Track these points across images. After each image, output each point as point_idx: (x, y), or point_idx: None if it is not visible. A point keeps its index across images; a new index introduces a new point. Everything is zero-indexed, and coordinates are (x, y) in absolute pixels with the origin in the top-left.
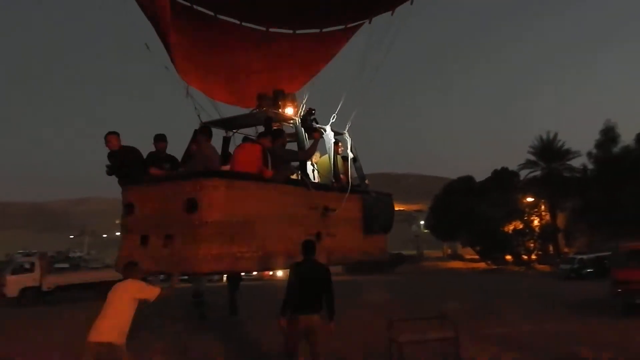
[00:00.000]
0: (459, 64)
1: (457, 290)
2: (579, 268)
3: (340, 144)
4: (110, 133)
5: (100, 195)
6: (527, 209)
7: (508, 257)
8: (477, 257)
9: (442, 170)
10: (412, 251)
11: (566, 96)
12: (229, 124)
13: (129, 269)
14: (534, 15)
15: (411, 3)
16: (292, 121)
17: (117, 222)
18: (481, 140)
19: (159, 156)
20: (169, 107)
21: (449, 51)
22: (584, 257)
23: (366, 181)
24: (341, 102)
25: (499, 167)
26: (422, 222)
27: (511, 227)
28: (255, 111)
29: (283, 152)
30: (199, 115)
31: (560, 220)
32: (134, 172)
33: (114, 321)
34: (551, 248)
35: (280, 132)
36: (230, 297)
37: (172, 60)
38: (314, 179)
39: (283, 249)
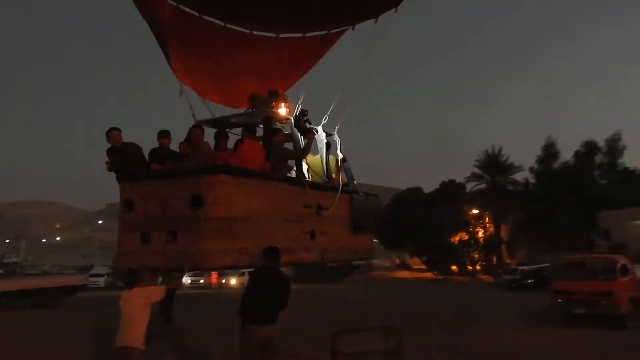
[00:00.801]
0: (407, 76)
1: (404, 300)
2: (521, 278)
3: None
4: (112, 129)
5: (40, 199)
6: (472, 221)
7: (454, 267)
8: (424, 267)
9: (392, 181)
10: (362, 261)
11: (511, 111)
12: (223, 123)
13: (133, 277)
14: (477, 26)
15: (395, 11)
16: (286, 121)
17: (58, 226)
18: (430, 153)
19: (162, 152)
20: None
21: (397, 63)
22: (525, 267)
23: (355, 181)
24: (333, 105)
25: (446, 179)
26: None
27: (457, 238)
28: (249, 111)
29: (282, 151)
30: (193, 114)
31: (504, 232)
32: (135, 168)
33: (138, 328)
34: (494, 259)
35: (278, 130)
36: (164, 306)
37: (167, 59)
38: (308, 178)
39: (282, 246)
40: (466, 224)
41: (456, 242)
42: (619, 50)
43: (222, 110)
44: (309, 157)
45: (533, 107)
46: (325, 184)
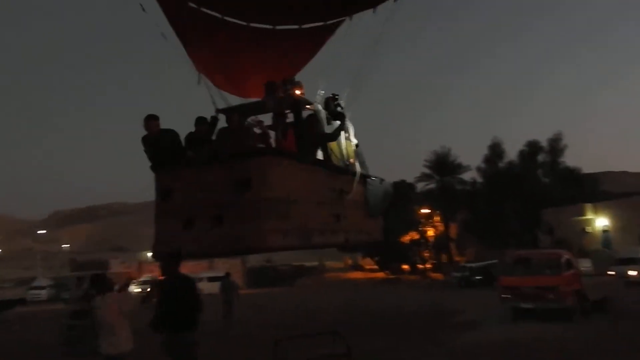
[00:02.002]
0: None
1: (355, 302)
2: (469, 276)
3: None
4: (151, 117)
5: None
6: (422, 220)
7: (405, 266)
8: (376, 267)
9: None
10: (314, 262)
11: (460, 111)
12: (248, 109)
13: (104, 284)
14: (424, 25)
15: (395, 0)
16: (310, 106)
17: None
18: (380, 152)
19: (198, 138)
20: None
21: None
22: (473, 265)
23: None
24: (347, 92)
25: (397, 179)
26: None
27: (408, 238)
28: (269, 98)
29: (315, 134)
30: (213, 103)
31: (453, 231)
32: (172, 155)
33: (122, 334)
34: (444, 257)
35: (312, 115)
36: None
37: (185, 49)
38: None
39: (317, 227)
40: (417, 224)
41: (407, 242)
42: (556, 49)
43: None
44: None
45: (480, 107)
46: (346, 168)
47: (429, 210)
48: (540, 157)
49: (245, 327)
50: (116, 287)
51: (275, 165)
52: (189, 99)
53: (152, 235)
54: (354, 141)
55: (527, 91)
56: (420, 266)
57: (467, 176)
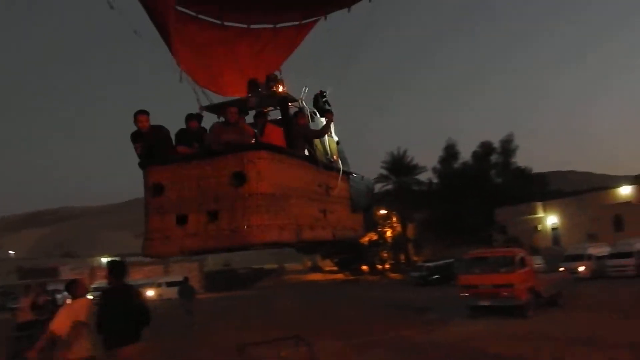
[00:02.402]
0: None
1: (315, 304)
2: (427, 275)
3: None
4: (141, 112)
5: None
6: (381, 221)
7: (364, 267)
8: (335, 268)
9: None
10: (274, 265)
11: (415, 112)
12: (232, 106)
13: (72, 287)
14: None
15: (369, 0)
16: (295, 102)
17: None
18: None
19: (189, 134)
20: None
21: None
22: (431, 264)
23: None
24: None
25: None
26: None
27: (367, 238)
28: (252, 95)
29: (304, 130)
30: (198, 100)
31: (410, 231)
32: (163, 151)
33: (80, 339)
34: (402, 257)
35: (300, 111)
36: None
37: (169, 49)
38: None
39: (307, 223)
40: (375, 224)
41: (366, 243)
42: (506, 51)
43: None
44: None
45: (435, 108)
46: (330, 165)
47: (387, 211)
48: (493, 158)
49: (207, 332)
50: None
51: (270, 160)
52: (155, 98)
53: (108, 239)
54: (335, 138)
55: (479, 92)
56: (380, 266)
57: (423, 177)
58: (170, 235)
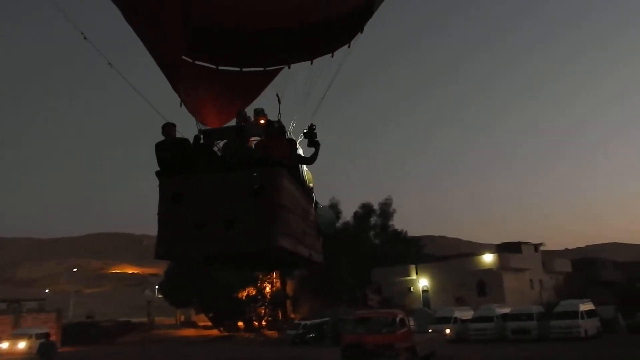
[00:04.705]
0: None
1: None
2: (303, 334)
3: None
4: (170, 125)
5: None
6: (261, 276)
7: (240, 323)
8: (210, 323)
9: None
10: (143, 318)
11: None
12: (234, 131)
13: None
14: None
15: (349, 46)
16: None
17: None
18: None
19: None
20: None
21: None
22: (308, 322)
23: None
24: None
25: None
26: (157, 287)
27: (245, 293)
28: (252, 123)
29: (299, 157)
30: (197, 124)
31: (290, 287)
32: (185, 161)
33: None
34: (280, 314)
35: (293, 140)
36: None
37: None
38: None
39: (300, 237)
40: (254, 279)
41: (243, 298)
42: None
43: None
44: None
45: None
46: (310, 190)
47: None
48: (373, 219)
49: None
50: None
51: (284, 176)
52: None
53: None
54: (305, 168)
55: (362, 155)
56: (256, 323)
57: None
58: (186, 240)
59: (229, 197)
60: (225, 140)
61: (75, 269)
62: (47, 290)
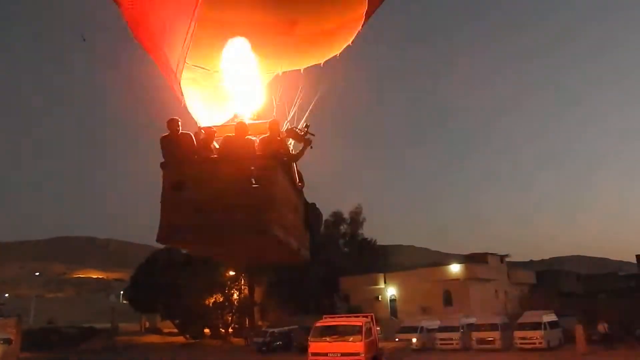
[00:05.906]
0: None
1: None
2: (270, 341)
3: None
4: (175, 120)
5: None
6: (228, 283)
7: (206, 330)
8: (175, 330)
9: (149, 238)
10: (107, 324)
11: None
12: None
13: None
14: None
15: (322, 65)
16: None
17: None
18: None
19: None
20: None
21: None
22: (275, 330)
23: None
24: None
25: None
26: (121, 293)
27: (212, 300)
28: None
29: (290, 154)
30: (197, 121)
31: (258, 294)
32: (188, 154)
33: None
34: (247, 321)
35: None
36: None
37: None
38: None
39: (289, 229)
40: (222, 286)
41: (210, 304)
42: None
43: None
44: None
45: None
46: (301, 187)
47: (235, 273)
48: (342, 228)
49: None
50: None
51: (279, 171)
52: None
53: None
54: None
55: (333, 161)
56: (223, 330)
57: None
58: (186, 223)
59: (228, 187)
60: (224, 136)
61: (37, 273)
62: (6, 295)
